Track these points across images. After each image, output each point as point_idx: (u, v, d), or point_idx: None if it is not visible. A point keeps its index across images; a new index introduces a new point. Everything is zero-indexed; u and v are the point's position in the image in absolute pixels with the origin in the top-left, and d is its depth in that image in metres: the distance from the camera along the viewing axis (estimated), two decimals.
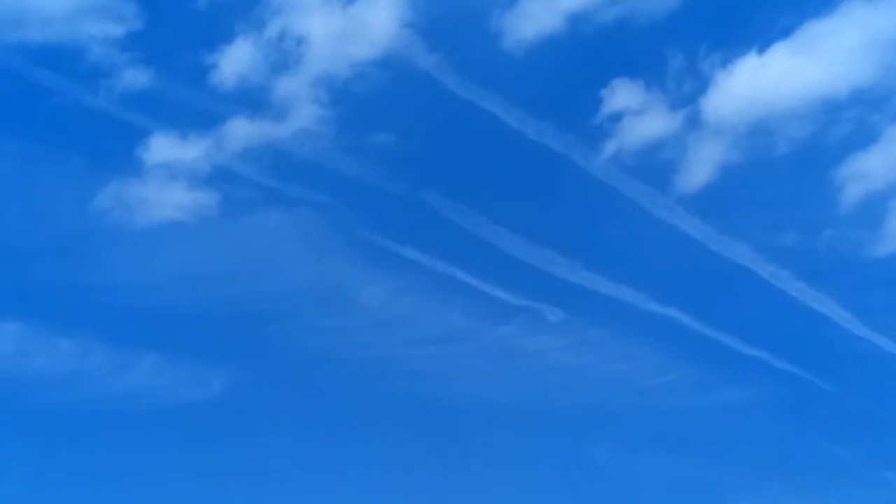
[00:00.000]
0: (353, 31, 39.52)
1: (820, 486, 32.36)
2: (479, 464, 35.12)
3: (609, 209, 38.27)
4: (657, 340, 36.58)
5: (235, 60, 39.13)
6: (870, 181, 36.21)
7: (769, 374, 34.71)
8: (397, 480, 34.38)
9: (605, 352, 36.84)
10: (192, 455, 35.28)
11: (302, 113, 38.75)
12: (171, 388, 36.15)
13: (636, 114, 38.17)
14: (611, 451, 35.02)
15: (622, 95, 38.28)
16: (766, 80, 37.56)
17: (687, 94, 38.24)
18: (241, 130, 38.71)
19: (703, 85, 38.18)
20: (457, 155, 40.32)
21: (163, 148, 38.39)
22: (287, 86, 39.15)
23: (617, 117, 38.09)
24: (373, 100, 39.49)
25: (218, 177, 38.41)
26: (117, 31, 39.02)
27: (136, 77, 38.89)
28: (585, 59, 39.68)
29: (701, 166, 37.61)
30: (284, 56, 39.11)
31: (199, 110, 39.29)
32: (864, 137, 37.30)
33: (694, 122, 37.88)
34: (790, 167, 37.97)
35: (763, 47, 38.54)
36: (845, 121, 37.09)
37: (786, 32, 38.53)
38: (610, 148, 37.86)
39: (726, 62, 38.58)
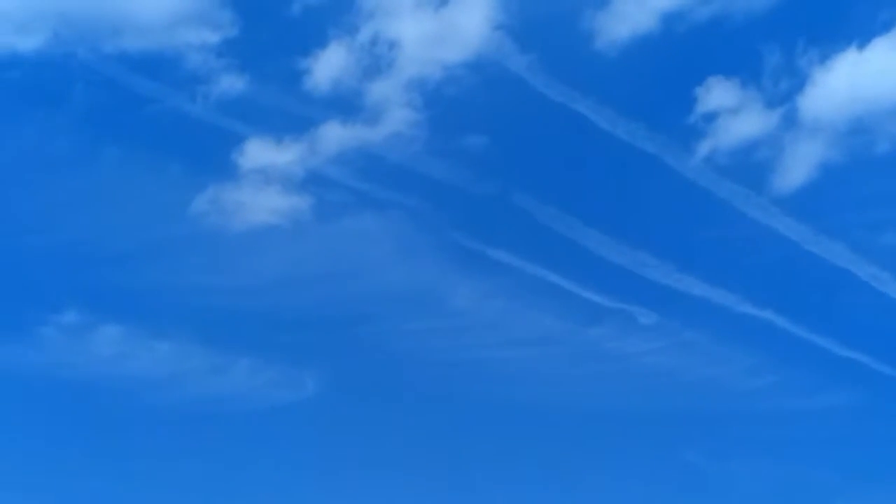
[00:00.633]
0: (445, 33, 39.75)
1: None
2: (571, 468, 35.18)
3: (702, 210, 38.12)
4: (752, 343, 36.24)
5: (329, 65, 39.52)
6: None
7: (868, 377, 34.20)
8: (486, 481, 34.50)
9: (698, 355, 36.60)
10: (284, 456, 35.70)
11: (394, 116, 39.03)
12: (265, 390, 36.72)
13: (731, 113, 37.94)
14: (706, 456, 34.76)
15: (717, 94, 38.10)
16: (865, 77, 37.02)
17: (784, 91, 37.93)
18: (335, 135, 39.12)
19: (800, 82, 37.88)
20: (547, 157, 40.43)
21: (258, 153, 38.98)
22: (379, 90, 39.46)
23: (711, 117, 37.92)
24: (464, 102, 39.70)
25: (311, 181, 38.83)
26: (213, 38, 39.74)
27: (231, 83, 39.57)
28: (679, 58, 39.64)
29: (798, 166, 37.29)
30: (377, 60, 39.45)
31: (293, 115, 39.80)
32: None
33: (791, 121, 37.58)
34: (890, 166, 37.41)
35: (863, 43, 38.06)
36: None
37: (886, 27, 38.08)
38: (704, 148, 37.71)
39: (824, 58, 38.23)
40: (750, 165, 37.54)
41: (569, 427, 36.09)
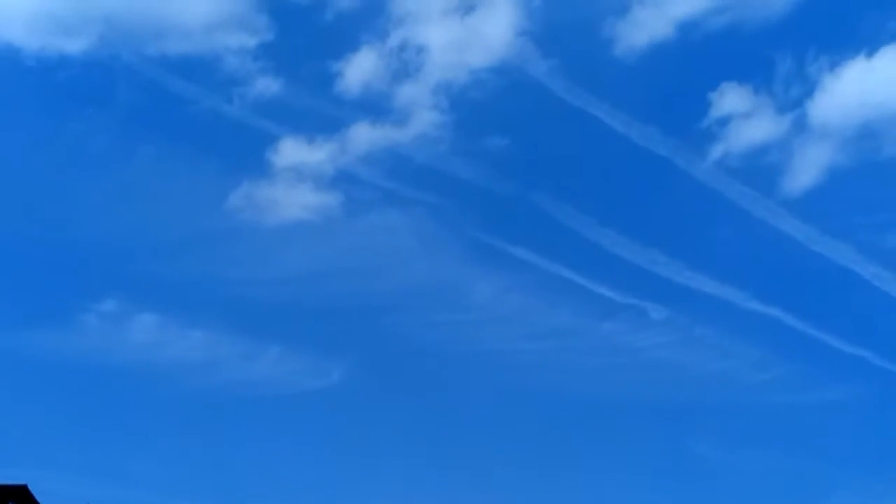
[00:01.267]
0: (471, 39, 40.74)
1: None
2: (585, 455, 36.18)
3: (713, 211, 38.98)
4: (760, 338, 36.99)
5: (360, 69, 40.58)
6: None
7: (871, 373, 34.82)
8: (502, 465, 35.33)
9: (707, 349, 37.36)
10: (310, 438, 36.91)
11: (421, 118, 39.99)
12: (293, 377, 37.86)
13: (743, 117, 38.65)
14: (714, 447, 35.52)
15: (730, 100, 38.80)
16: (874, 84, 37.60)
17: (794, 97, 38.62)
18: (364, 135, 40.16)
19: (810, 88, 38.56)
20: (566, 158, 41.36)
21: (291, 151, 40.05)
22: (408, 92, 40.51)
23: (724, 121, 38.59)
24: (488, 105, 40.73)
25: (341, 179, 39.90)
26: (250, 42, 40.77)
27: (267, 85, 40.64)
28: (694, 64, 40.58)
29: (807, 169, 37.95)
30: (405, 64, 40.46)
31: (324, 116, 41.02)
32: None
33: (801, 126, 38.24)
34: None
35: (872, 51, 38.72)
36: None
37: (894, 36, 38.70)
38: (717, 151, 38.43)
39: (834, 66, 38.86)
40: (760, 168, 38.25)
41: (583, 416, 37.15)
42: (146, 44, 40.36)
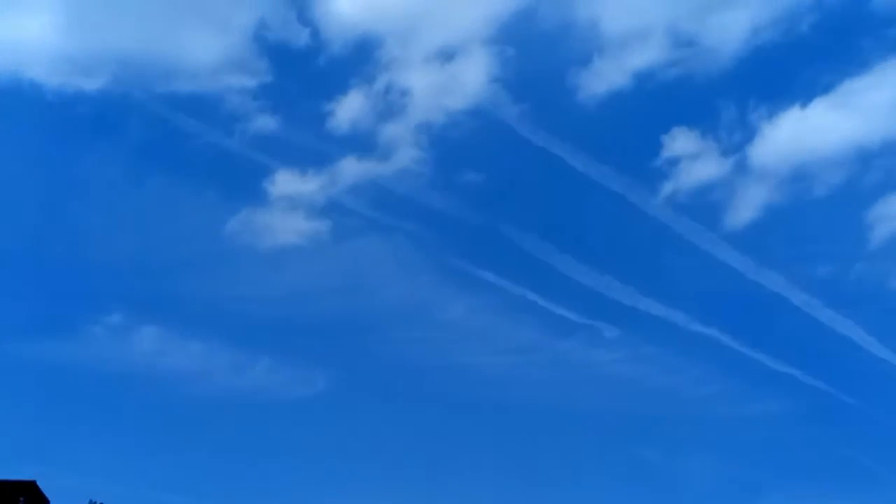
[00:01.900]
0: (450, 85, 43.02)
1: (844, 490, 34.45)
2: (545, 459, 38.04)
3: (662, 242, 40.96)
4: (701, 357, 38.87)
5: (349, 109, 42.80)
6: None
7: (799, 389, 36.72)
8: (471, 471, 37.34)
9: (655, 365, 39.32)
10: (296, 442, 38.75)
11: (403, 155, 42.13)
12: (281, 386, 39.85)
13: (691, 159, 40.81)
14: (660, 454, 37.52)
15: (680, 143, 41.01)
16: (807, 131, 40.07)
17: (737, 142, 40.87)
18: (352, 168, 42.26)
19: (751, 134, 40.86)
20: (531, 193, 43.83)
21: (285, 182, 42.14)
22: (391, 131, 42.70)
23: (674, 162, 40.78)
24: (464, 144, 42.97)
25: (330, 208, 42.00)
26: (251, 83, 42.94)
27: (265, 122, 42.79)
28: (648, 110, 43.04)
29: (746, 206, 40.17)
30: (390, 106, 42.74)
31: (316, 151, 43.15)
32: (894, 183, 40.30)
33: (742, 167, 40.51)
34: (826, 208, 40.54)
35: (805, 102, 41.24)
36: (877, 168, 39.73)
37: (826, 89, 41.35)
38: (667, 188, 40.56)
39: (772, 114, 41.22)
40: (705, 205, 40.48)
41: (543, 424, 38.88)
42: (156, 83, 42.37)
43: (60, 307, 41.65)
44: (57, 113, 42.56)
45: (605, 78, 41.75)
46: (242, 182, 43.79)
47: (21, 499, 23.94)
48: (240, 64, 43.06)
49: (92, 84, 41.74)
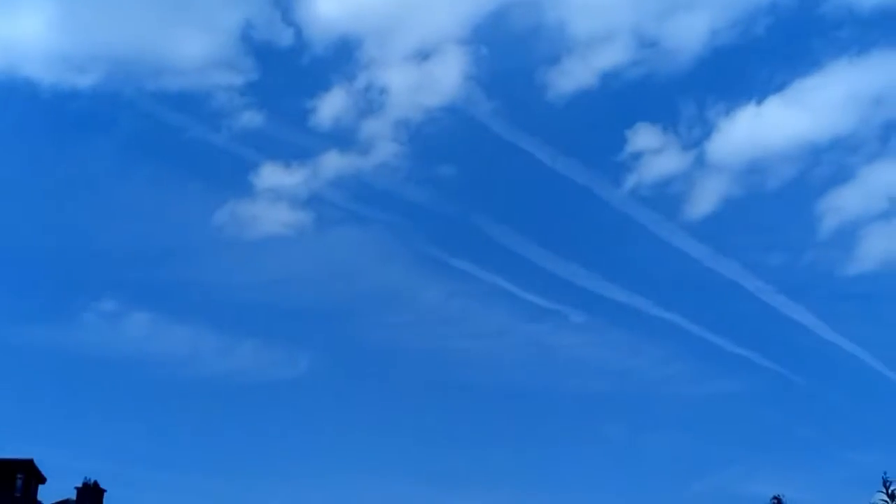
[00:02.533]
0: (427, 83, 44.11)
1: (793, 462, 35.25)
2: (515, 436, 39.22)
3: (626, 232, 42.41)
4: (662, 339, 40.72)
5: (331, 106, 43.80)
6: (845, 213, 40.04)
7: (754, 370, 37.96)
8: (446, 447, 38.77)
9: (619, 348, 40.86)
10: (279, 421, 39.81)
11: (382, 149, 43.11)
12: (265, 368, 41.09)
13: (654, 153, 42.02)
14: (624, 430, 38.77)
15: (643, 138, 42.19)
16: (761, 127, 41.38)
17: (696, 137, 42.11)
18: (333, 162, 43.33)
19: (709, 130, 42.18)
20: (503, 186, 45.33)
21: (270, 175, 43.04)
22: (371, 127, 43.75)
23: (638, 156, 42.04)
24: (439, 139, 44.25)
25: (313, 200, 43.08)
26: (237, 80, 43.86)
27: (251, 118, 43.59)
28: (613, 107, 44.51)
29: (705, 198, 41.56)
30: (370, 103, 43.74)
31: (300, 145, 44.88)
32: (842, 176, 41.89)
33: (701, 162, 41.69)
34: (779, 200, 42.12)
35: (760, 99, 43.24)
36: (827, 162, 41.16)
37: (780, 87, 43.62)
38: (631, 181, 41.82)
39: (729, 111, 43.01)
40: (666, 197, 41.85)
41: (514, 404, 40.39)
42: (146, 80, 43.41)
43: (56, 295, 42.92)
44: (51, 109, 43.42)
45: (572, 77, 42.88)
46: (229, 175, 45.18)
47: (19, 476, 24.33)
48: (227, 62, 43.90)
49: (85, 81, 42.37)
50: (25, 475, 24.45)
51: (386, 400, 40.98)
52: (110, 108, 44.32)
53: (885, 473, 16.41)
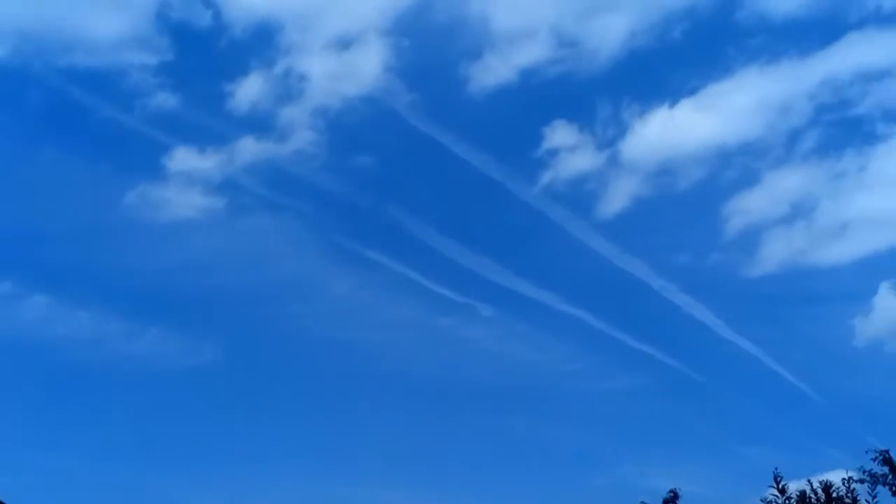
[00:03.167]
0: (346, 72, 44.13)
1: (690, 456, 35.58)
2: (423, 428, 39.08)
3: (537, 228, 42.74)
4: (569, 335, 40.33)
5: (248, 91, 43.59)
6: (750, 216, 41.02)
7: (656, 367, 38.17)
8: (352, 438, 38.20)
9: (526, 342, 40.77)
10: (185, 408, 39.31)
11: (300, 137, 43.11)
12: (169, 355, 40.29)
13: (569, 151, 42.60)
14: (528, 423, 38.68)
15: (560, 136, 42.81)
16: (673, 130, 42.22)
17: (610, 137, 42.83)
18: (249, 148, 43.17)
19: (623, 130, 42.89)
20: (418, 178, 45.36)
21: (184, 159, 42.77)
22: (289, 114, 43.67)
23: (554, 153, 42.51)
24: (357, 129, 44.11)
25: (227, 185, 42.80)
26: (152, 60, 43.26)
27: (165, 99, 43.26)
28: (532, 104, 44.69)
29: (617, 198, 42.14)
30: (288, 90, 43.58)
31: (215, 130, 43.78)
32: (748, 180, 42.49)
33: (614, 161, 42.43)
34: (688, 202, 42.90)
35: (673, 103, 43.49)
36: (734, 166, 42.07)
37: (692, 91, 43.60)
38: (546, 178, 42.26)
39: (643, 113, 43.48)
40: (580, 195, 42.40)
41: (421, 395, 40.53)
42: (56, 56, 42.40)
43: None
44: None
45: (493, 72, 43.19)
46: (140, 157, 44.23)
47: None
48: (141, 41, 43.20)
49: None
50: None
51: (293, 389, 40.68)
52: (17, 84, 43.52)
53: (776, 469, 17.02)
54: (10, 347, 38.80)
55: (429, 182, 44.93)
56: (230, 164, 42.64)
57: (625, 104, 43.60)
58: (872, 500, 16.52)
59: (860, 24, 42.26)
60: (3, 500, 22.32)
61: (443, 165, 43.65)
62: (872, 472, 16.68)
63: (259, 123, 43.63)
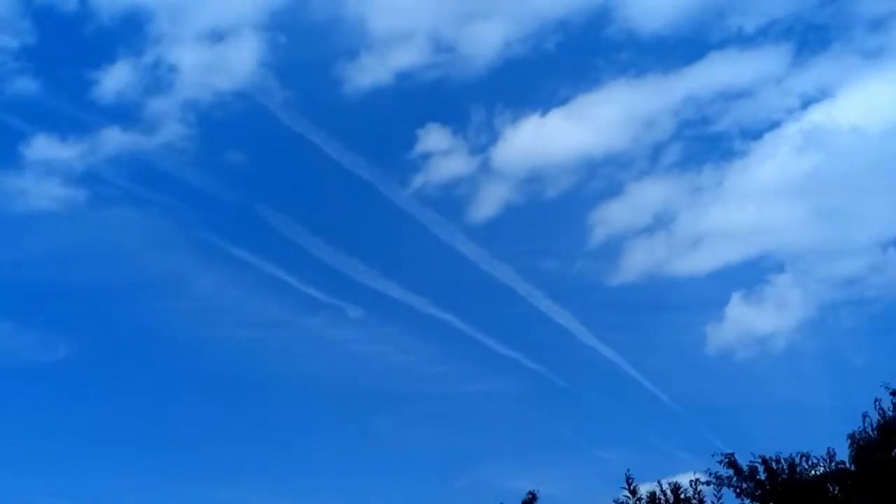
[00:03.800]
0: (219, 65, 43.19)
1: (549, 459, 35.79)
2: (284, 430, 39.15)
3: (407, 230, 42.80)
4: (435, 338, 40.51)
5: (115, 79, 42.31)
6: (612, 225, 41.35)
7: (520, 371, 38.41)
8: (213, 438, 38.42)
9: (393, 344, 40.74)
10: (35, 407, 39.07)
11: (168, 130, 42.05)
12: (19, 352, 39.53)
13: (442, 155, 42.56)
14: (392, 425, 38.88)
15: (433, 139, 42.65)
16: (544, 138, 42.51)
17: (483, 143, 42.85)
18: (114, 139, 41.94)
19: (495, 137, 42.91)
20: (288, 177, 44.75)
21: (43, 147, 41.35)
22: (158, 106, 42.56)
23: (427, 156, 42.48)
24: (228, 125, 43.43)
25: (88, 177, 41.55)
26: (12, 43, 42.06)
27: (25, 84, 42.03)
28: (406, 107, 44.58)
29: (487, 203, 42.25)
30: (158, 80, 42.53)
31: (78, 119, 42.51)
32: (612, 191, 42.82)
33: (486, 167, 42.48)
34: (555, 209, 43.11)
35: (544, 111, 43.77)
36: (600, 177, 42.31)
37: (563, 101, 44.03)
38: (418, 181, 42.22)
39: (515, 120, 43.55)
40: (451, 199, 42.41)
41: (285, 396, 40.35)
42: None
43: None
44: None
45: (369, 73, 43.02)
46: None
47: None
48: (1, 22, 42.29)
49: None
50: None
51: (153, 387, 40.14)
52: None
53: (628, 470, 17.56)
54: None
55: (299, 181, 44.73)
56: (93, 154, 41.67)
57: (498, 111, 44.01)
58: (718, 501, 17.22)
59: (722, 45, 43.16)
60: None
61: (314, 165, 43.43)
62: (718, 474, 17.39)
63: (125, 114, 42.71)
